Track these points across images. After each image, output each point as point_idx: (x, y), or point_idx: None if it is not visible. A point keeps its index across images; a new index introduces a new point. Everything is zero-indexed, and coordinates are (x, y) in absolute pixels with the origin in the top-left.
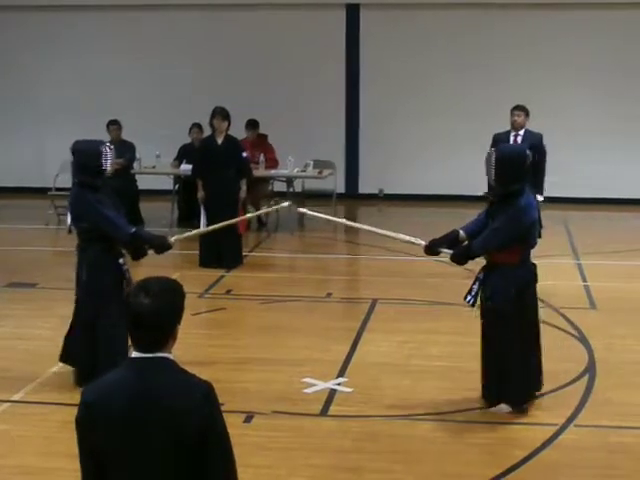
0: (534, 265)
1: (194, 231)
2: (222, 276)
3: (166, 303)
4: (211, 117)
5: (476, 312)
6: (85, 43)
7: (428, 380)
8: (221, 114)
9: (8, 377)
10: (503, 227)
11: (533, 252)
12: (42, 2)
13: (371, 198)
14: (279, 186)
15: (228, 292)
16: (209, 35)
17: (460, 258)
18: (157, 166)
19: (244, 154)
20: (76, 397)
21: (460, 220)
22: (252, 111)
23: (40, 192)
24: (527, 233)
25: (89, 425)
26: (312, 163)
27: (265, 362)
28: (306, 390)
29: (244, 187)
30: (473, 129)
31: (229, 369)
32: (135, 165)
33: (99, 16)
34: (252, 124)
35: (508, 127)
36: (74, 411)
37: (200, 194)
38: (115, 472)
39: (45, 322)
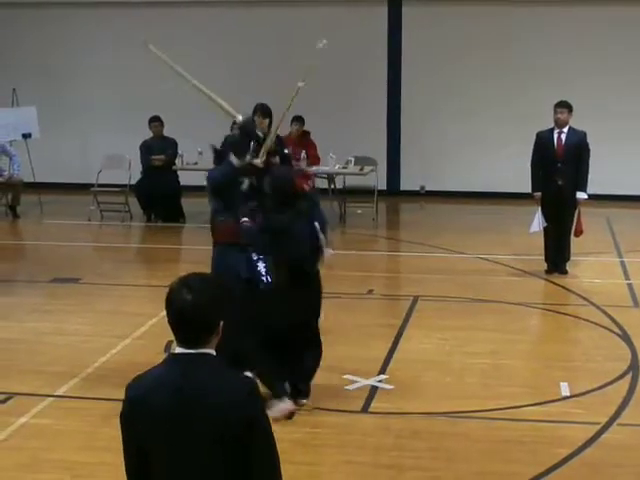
0: None
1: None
2: None
3: (209, 298)
4: (252, 114)
5: None
6: (124, 40)
7: (470, 377)
8: (262, 111)
9: (51, 372)
10: None
11: (574, 249)
12: None
13: (412, 195)
14: (320, 183)
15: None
16: (250, 31)
17: None
18: (199, 162)
19: (286, 151)
20: (118, 392)
21: (499, 217)
22: (294, 108)
23: (83, 188)
24: None
25: (133, 421)
26: (353, 160)
27: None
28: (347, 387)
29: None
30: (515, 127)
31: None
32: (177, 161)
33: (140, 12)
34: (298, 119)
35: (551, 125)
36: (116, 406)
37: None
38: (158, 468)
39: (87, 317)
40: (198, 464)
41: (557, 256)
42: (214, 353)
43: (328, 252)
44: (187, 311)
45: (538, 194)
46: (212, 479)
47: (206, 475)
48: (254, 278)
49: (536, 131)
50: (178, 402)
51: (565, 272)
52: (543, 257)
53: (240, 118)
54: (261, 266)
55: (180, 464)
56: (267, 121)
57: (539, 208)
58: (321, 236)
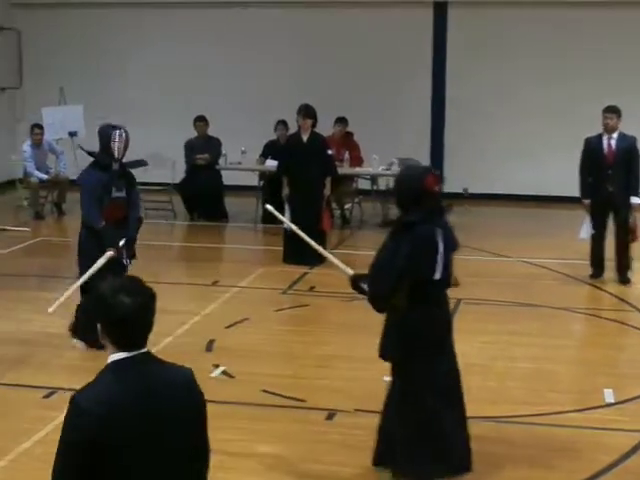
0: None
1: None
2: (305, 273)
3: (147, 299)
4: (297, 114)
5: None
6: (172, 39)
7: (513, 382)
8: (305, 112)
9: (93, 367)
10: None
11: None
12: (129, 0)
13: (456, 197)
14: (363, 184)
15: (311, 289)
16: (297, 32)
17: None
18: (242, 162)
19: (329, 152)
20: None
21: (544, 221)
22: (337, 109)
23: None
24: None
25: (108, 436)
26: (397, 161)
27: (347, 360)
28: None
29: (328, 184)
30: (562, 129)
31: (312, 366)
32: (221, 161)
33: (186, 13)
34: (341, 120)
35: (599, 129)
36: None
37: (285, 191)
38: (136, 470)
39: None
40: (175, 452)
41: (617, 264)
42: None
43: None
44: (132, 314)
45: (587, 201)
46: (184, 463)
47: (182, 462)
48: None
49: (582, 133)
50: (151, 403)
51: (627, 281)
52: (589, 262)
53: (350, 273)
54: None
55: (161, 459)
56: (309, 122)
57: (588, 215)
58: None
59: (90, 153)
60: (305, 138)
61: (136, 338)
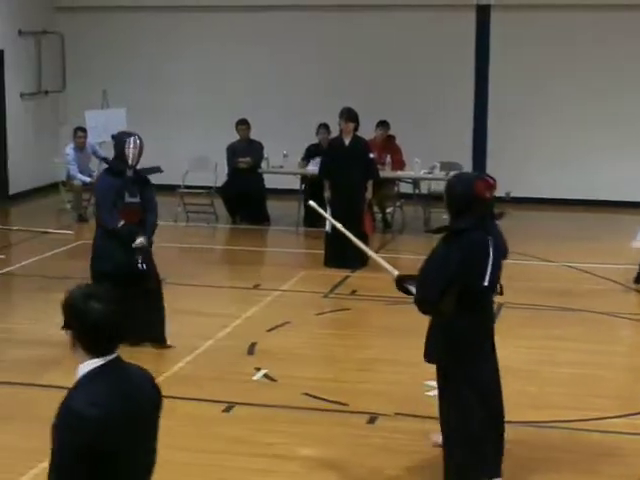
0: None
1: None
2: (347, 276)
3: (115, 305)
4: (339, 118)
5: None
6: (213, 43)
7: (556, 387)
8: (348, 115)
9: None
10: None
11: None
12: (169, 3)
13: (498, 201)
14: (405, 187)
15: (353, 293)
16: (338, 36)
17: None
18: (284, 165)
19: (371, 155)
20: (201, 392)
21: (588, 225)
22: (380, 112)
23: (170, 189)
24: None
25: (102, 441)
26: (439, 165)
27: (389, 363)
28: (428, 393)
29: (370, 188)
30: (606, 132)
31: (353, 369)
32: (262, 164)
33: (227, 17)
34: (383, 124)
35: None
36: (199, 405)
37: (327, 194)
38: (124, 470)
39: (171, 318)
40: (152, 450)
41: None
42: None
43: None
44: (104, 320)
45: None
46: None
47: (153, 458)
48: None
49: (628, 138)
50: (131, 406)
51: None
52: (638, 267)
53: (396, 274)
54: None
55: (144, 458)
56: (351, 125)
57: None
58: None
59: (104, 159)
60: (347, 141)
61: (108, 344)
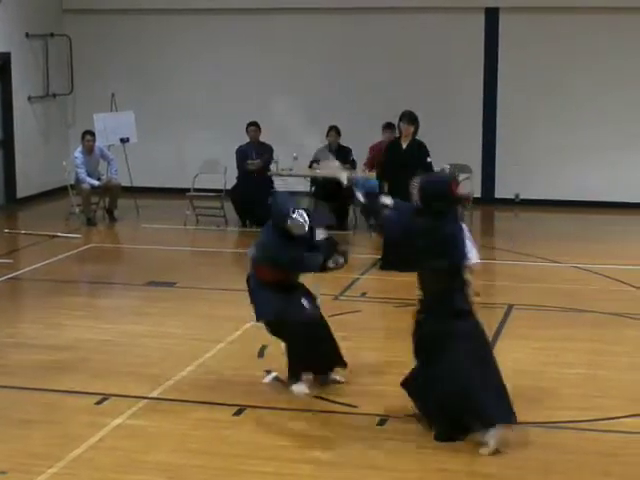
0: None
1: None
2: (357, 278)
3: None
4: (399, 120)
5: None
6: (222, 46)
7: (565, 388)
8: (409, 118)
9: (146, 374)
10: None
11: None
12: (177, 6)
13: (508, 203)
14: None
15: (363, 294)
16: (347, 38)
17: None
18: (294, 168)
19: (429, 159)
20: (212, 395)
21: (595, 227)
22: (389, 114)
23: (179, 192)
24: None
25: None
26: (448, 167)
27: (399, 365)
28: None
29: None
30: (614, 134)
31: (364, 371)
32: (272, 167)
33: (236, 19)
34: (389, 126)
35: None
36: (211, 409)
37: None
38: None
39: (182, 321)
40: None
41: None
42: None
43: None
44: None
45: None
46: None
47: None
48: None
49: (637, 138)
50: None
51: None
52: None
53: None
54: None
55: None
56: (412, 128)
57: None
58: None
59: None
60: (405, 145)
61: None
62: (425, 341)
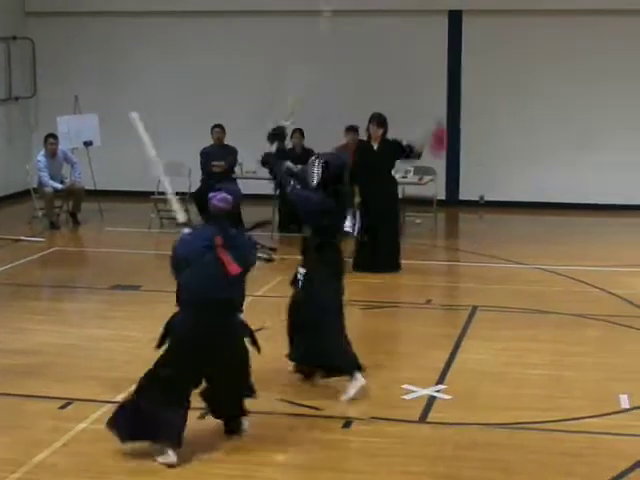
0: None
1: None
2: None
3: None
4: (368, 123)
5: None
6: (187, 47)
7: (528, 388)
8: (378, 120)
9: (110, 378)
10: None
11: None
12: (142, 8)
13: (472, 205)
14: None
15: None
16: (310, 40)
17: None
18: (257, 171)
19: (404, 142)
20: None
21: (559, 228)
22: (352, 116)
23: (143, 196)
24: None
25: None
26: (413, 169)
27: (365, 368)
28: (405, 396)
29: None
30: (574, 135)
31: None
32: (236, 169)
33: (200, 21)
34: (352, 129)
35: (614, 136)
36: None
37: (356, 199)
38: None
39: (146, 325)
40: None
41: None
42: None
43: None
44: None
45: None
46: None
47: None
48: None
49: (598, 139)
50: None
51: None
52: None
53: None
54: None
55: None
56: (381, 131)
57: None
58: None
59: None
60: (376, 146)
61: None
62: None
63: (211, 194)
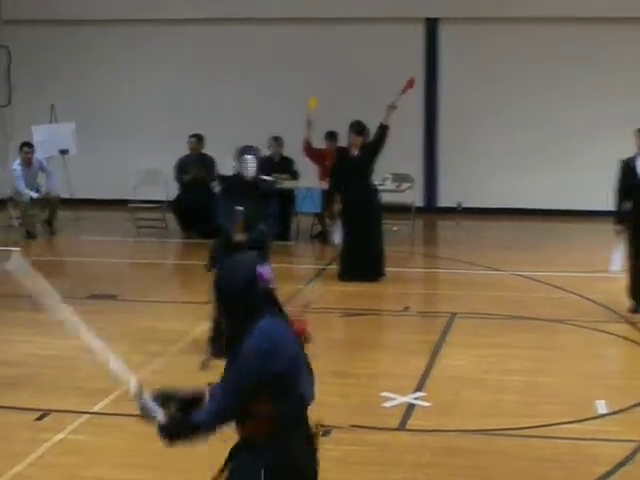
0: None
1: None
2: (300, 289)
3: None
4: (348, 130)
5: None
6: (164, 56)
7: (506, 395)
8: (357, 129)
9: (87, 388)
10: None
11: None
12: (118, 16)
13: (450, 212)
14: None
15: (306, 305)
16: (288, 48)
17: None
18: None
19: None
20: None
21: (537, 234)
22: (329, 123)
23: (120, 204)
24: None
25: None
26: (390, 177)
27: (343, 375)
28: (384, 404)
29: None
30: (552, 143)
31: None
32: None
33: (178, 30)
34: (332, 135)
35: (591, 142)
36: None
37: (337, 207)
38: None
39: (123, 334)
40: None
41: None
42: None
43: None
44: None
45: (622, 228)
46: None
47: None
48: None
49: (575, 146)
50: None
51: None
52: (629, 295)
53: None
54: None
55: None
56: (360, 139)
57: (621, 244)
58: None
59: None
60: (355, 152)
61: None
62: None
63: (260, 268)
